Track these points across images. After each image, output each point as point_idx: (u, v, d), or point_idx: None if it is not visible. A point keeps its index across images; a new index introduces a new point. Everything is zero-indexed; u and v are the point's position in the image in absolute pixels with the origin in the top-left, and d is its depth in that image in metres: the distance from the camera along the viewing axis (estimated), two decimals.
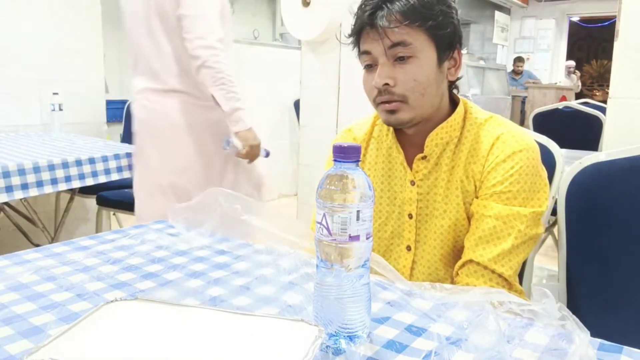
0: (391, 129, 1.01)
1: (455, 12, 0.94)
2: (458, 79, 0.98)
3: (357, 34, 0.93)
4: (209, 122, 1.76)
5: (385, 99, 0.92)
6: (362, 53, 0.94)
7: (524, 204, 0.90)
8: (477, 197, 0.94)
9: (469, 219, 0.95)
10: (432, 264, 0.97)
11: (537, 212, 0.91)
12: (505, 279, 0.89)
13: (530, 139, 0.94)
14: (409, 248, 0.99)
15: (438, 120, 0.96)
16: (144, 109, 1.79)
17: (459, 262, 0.93)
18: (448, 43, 0.92)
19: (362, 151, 1.05)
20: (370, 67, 0.94)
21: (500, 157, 0.91)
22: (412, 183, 0.98)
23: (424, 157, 0.97)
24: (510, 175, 0.90)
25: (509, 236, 0.89)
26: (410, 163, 0.99)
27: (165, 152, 1.79)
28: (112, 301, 0.62)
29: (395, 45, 0.89)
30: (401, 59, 0.90)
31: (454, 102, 0.99)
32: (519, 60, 8.38)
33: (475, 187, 0.94)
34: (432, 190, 0.97)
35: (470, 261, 0.90)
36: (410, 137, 0.99)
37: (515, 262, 0.90)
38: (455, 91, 1.00)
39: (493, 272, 0.88)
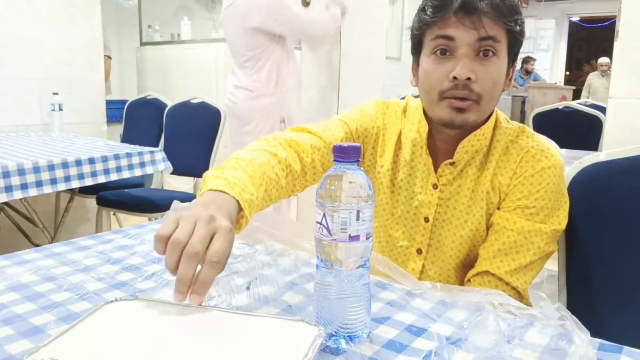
0: (424, 128, 0.96)
1: None
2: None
3: (439, 16, 0.85)
4: (259, 107, 2.51)
5: (462, 94, 0.85)
6: (439, 37, 0.86)
7: (545, 220, 0.89)
8: (498, 209, 0.92)
9: (487, 229, 0.93)
10: (444, 272, 0.96)
11: (556, 230, 0.90)
12: (519, 292, 0.88)
13: (558, 154, 0.92)
14: (419, 251, 0.98)
15: (472, 127, 0.92)
16: (227, 100, 2.63)
17: (473, 271, 0.92)
18: (516, 53, 0.89)
19: (397, 144, 1.00)
20: (443, 55, 0.86)
21: (528, 171, 0.90)
22: (435, 187, 0.96)
23: (451, 163, 0.94)
24: (537, 191, 0.89)
25: (527, 251, 0.88)
26: (435, 166, 0.96)
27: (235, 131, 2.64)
28: (112, 301, 0.62)
29: (488, 38, 0.83)
30: (485, 54, 0.84)
31: None
32: (531, 59, 8.34)
33: (500, 198, 0.92)
34: (453, 196, 0.95)
35: (486, 272, 0.89)
36: (441, 141, 0.95)
37: (530, 277, 0.89)
38: None
39: (507, 284, 0.88)
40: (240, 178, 0.76)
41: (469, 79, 0.84)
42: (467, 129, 0.92)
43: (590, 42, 10.41)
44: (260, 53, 2.46)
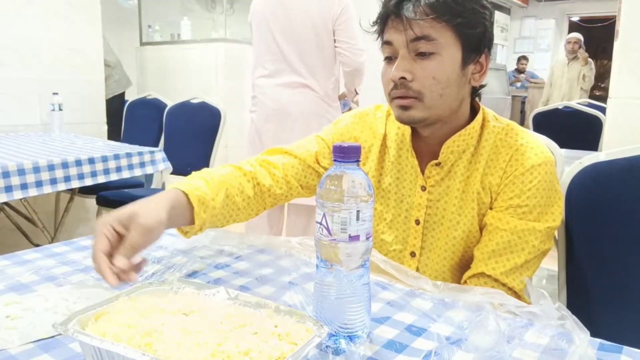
0: (407, 131, 0.97)
1: (489, 14, 0.89)
2: (482, 86, 0.94)
3: (382, 23, 0.90)
4: (323, 111, 2.34)
5: (400, 93, 0.88)
6: (383, 43, 0.90)
7: (539, 218, 0.88)
8: (491, 209, 0.92)
9: (481, 230, 0.93)
10: (439, 274, 0.96)
11: (551, 227, 0.89)
12: (515, 293, 0.88)
13: (548, 151, 0.91)
14: (413, 254, 0.97)
15: (456, 126, 0.92)
16: (276, 101, 2.33)
17: (468, 273, 0.91)
18: (476, 45, 0.88)
19: (382, 149, 1.01)
20: (390, 60, 0.90)
21: (519, 169, 0.89)
22: (423, 189, 0.95)
23: (437, 164, 0.94)
24: (528, 190, 0.88)
25: (522, 251, 0.88)
26: (422, 168, 0.96)
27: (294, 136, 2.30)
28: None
29: (418, 38, 0.84)
30: (422, 55, 0.86)
31: (473, 109, 0.96)
32: (523, 58, 8.35)
33: (491, 198, 0.92)
34: (443, 197, 0.94)
35: (482, 274, 0.89)
36: (425, 142, 0.95)
37: (526, 276, 0.89)
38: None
39: (504, 285, 0.88)
40: (193, 182, 0.82)
41: (403, 78, 0.86)
42: (450, 128, 0.92)
43: (590, 42, 10.39)
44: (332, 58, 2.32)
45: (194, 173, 0.88)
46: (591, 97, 5.12)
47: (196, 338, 0.51)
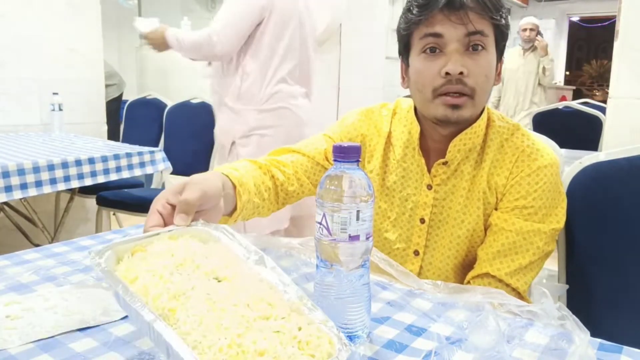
0: (415, 129, 0.96)
1: None
2: None
3: (427, 14, 0.85)
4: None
5: (456, 89, 0.85)
6: (427, 35, 0.86)
7: (544, 220, 0.89)
8: (496, 209, 0.92)
9: (485, 229, 0.93)
10: (442, 272, 0.96)
11: (555, 229, 0.90)
12: (519, 294, 0.88)
13: (553, 152, 0.92)
14: (416, 253, 0.97)
15: (464, 125, 0.91)
16: (309, 112, 2.17)
17: (472, 273, 0.91)
18: (502, 47, 0.90)
19: (387, 147, 1.00)
20: (433, 52, 0.86)
21: (525, 171, 0.89)
22: (429, 187, 0.95)
23: (444, 163, 0.93)
24: (534, 191, 0.88)
25: (527, 252, 0.88)
26: (429, 167, 0.95)
27: None
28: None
29: (476, 32, 0.83)
30: (475, 49, 0.84)
31: None
32: None
33: (497, 199, 0.92)
34: (448, 196, 0.94)
35: (486, 274, 0.89)
36: (432, 141, 0.95)
37: (530, 277, 0.89)
38: None
39: (508, 285, 0.88)
40: (225, 169, 0.82)
41: (461, 73, 0.84)
42: (460, 127, 0.91)
43: (590, 42, 10.41)
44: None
45: (215, 168, 0.86)
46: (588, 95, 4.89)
47: (219, 318, 0.49)
